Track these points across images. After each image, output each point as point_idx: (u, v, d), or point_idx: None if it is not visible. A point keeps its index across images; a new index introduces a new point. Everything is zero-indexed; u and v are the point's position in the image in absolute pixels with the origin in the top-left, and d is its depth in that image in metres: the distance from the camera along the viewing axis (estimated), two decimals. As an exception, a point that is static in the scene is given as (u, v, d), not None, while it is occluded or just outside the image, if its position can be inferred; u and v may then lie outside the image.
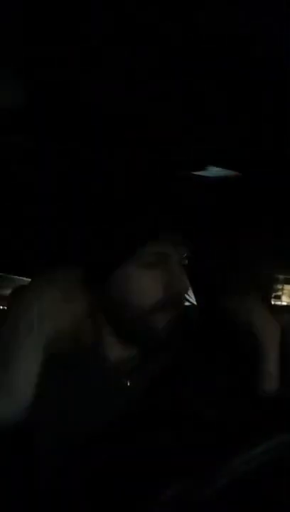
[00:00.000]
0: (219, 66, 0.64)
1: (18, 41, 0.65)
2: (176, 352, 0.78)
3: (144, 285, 0.72)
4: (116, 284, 0.73)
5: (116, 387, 0.75)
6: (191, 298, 1.01)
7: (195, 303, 1.04)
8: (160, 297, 0.73)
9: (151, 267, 0.73)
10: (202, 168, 0.95)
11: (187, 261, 0.77)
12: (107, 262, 0.72)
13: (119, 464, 0.67)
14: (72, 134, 0.91)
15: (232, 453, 0.59)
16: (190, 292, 0.99)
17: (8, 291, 1.17)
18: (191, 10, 0.55)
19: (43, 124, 0.87)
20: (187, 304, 0.88)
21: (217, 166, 0.95)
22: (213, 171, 0.96)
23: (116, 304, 0.74)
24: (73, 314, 0.68)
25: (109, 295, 0.74)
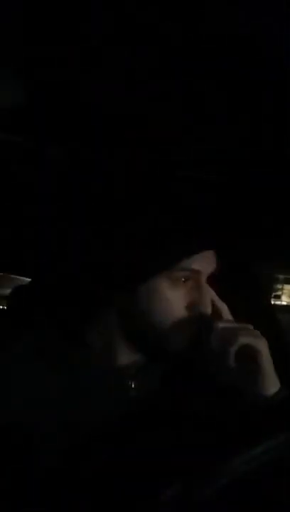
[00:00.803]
0: (219, 66, 0.64)
1: (18, 41, 0.65)
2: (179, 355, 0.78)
3: (172, 302, 0.72)
4: (144, 296, 0.72)
5: (121, 389, 0.75)
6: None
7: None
8: (184, 317, 0.72)
9: (181, 283, 0.72)
10: (202, 168, 0.95)
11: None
12: (138, 273, 0.71)
13: (119, 464, 0.67)
14: (72, 134, 0.90)
15: (232, 453, 0.59)
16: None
17: (8, 291, 1.16)
18: (191, 10, 0.55)
19: (43, 124, 0.87)
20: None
21: (217, 166, 0.95)
22: (213, 171, 0.96)
23: (140, 316, 0.73)
24: None
25: (134, 305, 0.73)
